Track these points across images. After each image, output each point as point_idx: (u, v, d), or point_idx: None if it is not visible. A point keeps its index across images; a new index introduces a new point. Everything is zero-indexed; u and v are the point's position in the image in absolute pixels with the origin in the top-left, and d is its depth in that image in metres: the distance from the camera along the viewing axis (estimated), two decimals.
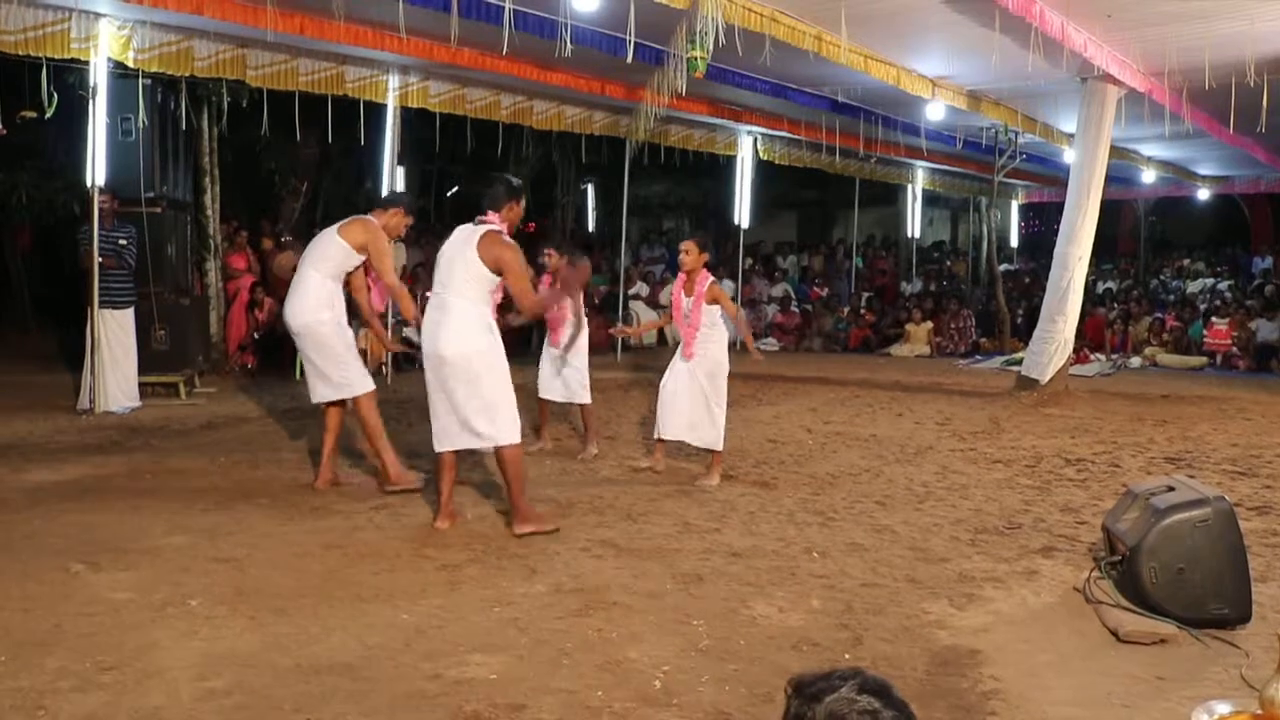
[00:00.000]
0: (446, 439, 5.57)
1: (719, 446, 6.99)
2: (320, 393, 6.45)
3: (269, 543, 5.31)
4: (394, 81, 10.77)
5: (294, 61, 9.80)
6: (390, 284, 6.42)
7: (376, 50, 9.47)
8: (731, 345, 7.28)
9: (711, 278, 6.99)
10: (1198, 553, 4.30)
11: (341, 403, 6.51)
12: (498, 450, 5.50)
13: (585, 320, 7.93)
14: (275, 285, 12.68)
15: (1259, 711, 2.10)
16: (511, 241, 5.47)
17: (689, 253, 6.94)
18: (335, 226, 6.40)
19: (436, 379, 5.47)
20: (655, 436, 7.19)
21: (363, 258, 6.31)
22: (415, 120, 12.04)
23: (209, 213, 12.01)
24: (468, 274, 5.38)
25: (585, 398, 7.81)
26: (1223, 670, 3.94)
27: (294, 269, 6.54)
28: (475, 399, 5.39)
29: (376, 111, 11.07)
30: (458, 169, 19.35)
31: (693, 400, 6.95)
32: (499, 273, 5.37)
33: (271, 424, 8.86)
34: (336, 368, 6.35)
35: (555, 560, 5.12)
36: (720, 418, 6.97)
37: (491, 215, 5.50)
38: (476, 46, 9.55)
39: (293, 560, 5.02)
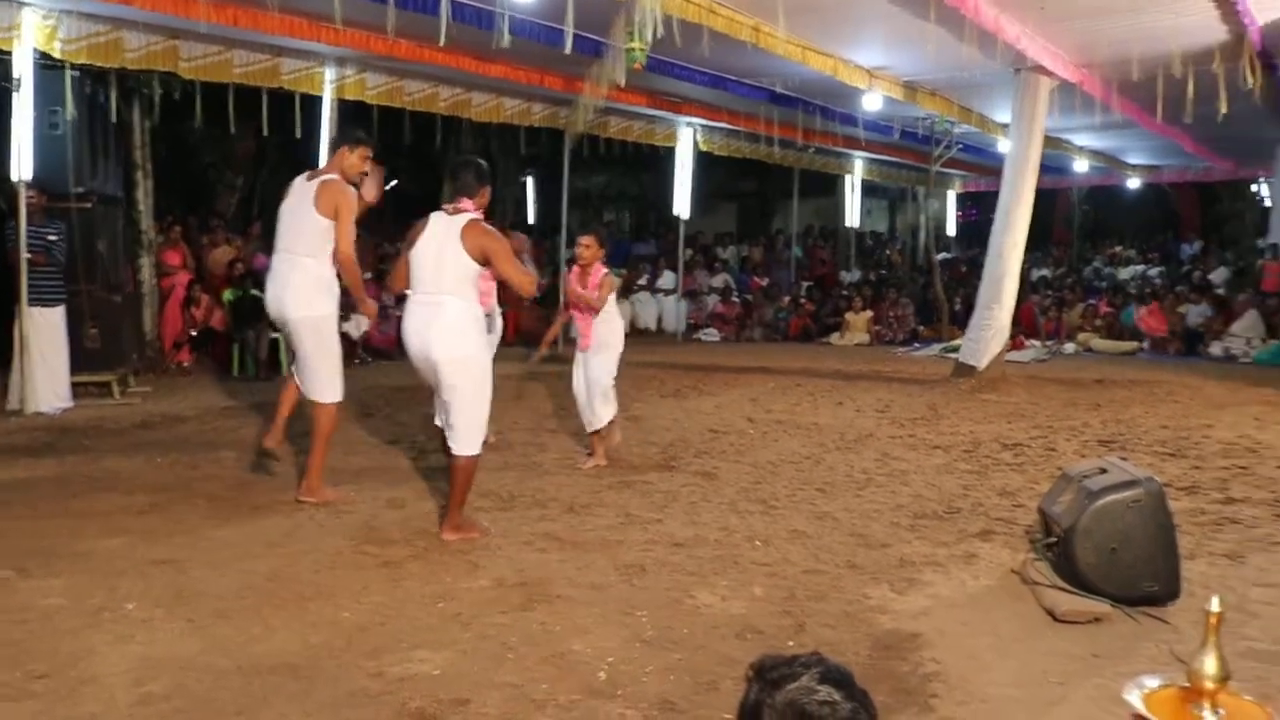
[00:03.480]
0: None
1: (602, 425, 7.07)
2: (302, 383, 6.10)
3: (208, 543, 5.24)
4: (330, 74, 10.64)
5: (228, 53, 9.64)
6: (345, 255, 5.89)
7: (312, 42, 9.36)
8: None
9: (605, 270, 7.03)
10: (1130, 533, 4.39)
11: None
12: (457, 458, 5.34)
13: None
14: (211, 281, 12.54)
15: (1186, 684, 2.15)
16: (493, 229, 5.35)
17: (589, 247, 6.93)
18: (310, 197, 5.81)
19: (430, 374, 5.33)
20: (588, 432, 7.18)
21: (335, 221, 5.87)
22: (353, 113, 11.91)
23: (141, 208, 11.78)
24: (458, 270, 5.20)
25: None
26: (1154, 646, 4.04)
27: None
28: (457, 403, 5.27)
29: (313, 104, 10.93)
30: (396, 162, 19.18)
31: (589, 385, 7.00)
32: (485, 262, 5.23)
33: (209, 422, 8.73)
34: (323, 367, 5.96)
35: (498, 554, 5.11)
36: (611, 394, 7.04)
37: (466, 202, 5.35)
38: (414, 38, 9.46)
39: (232, 560, 4.96)
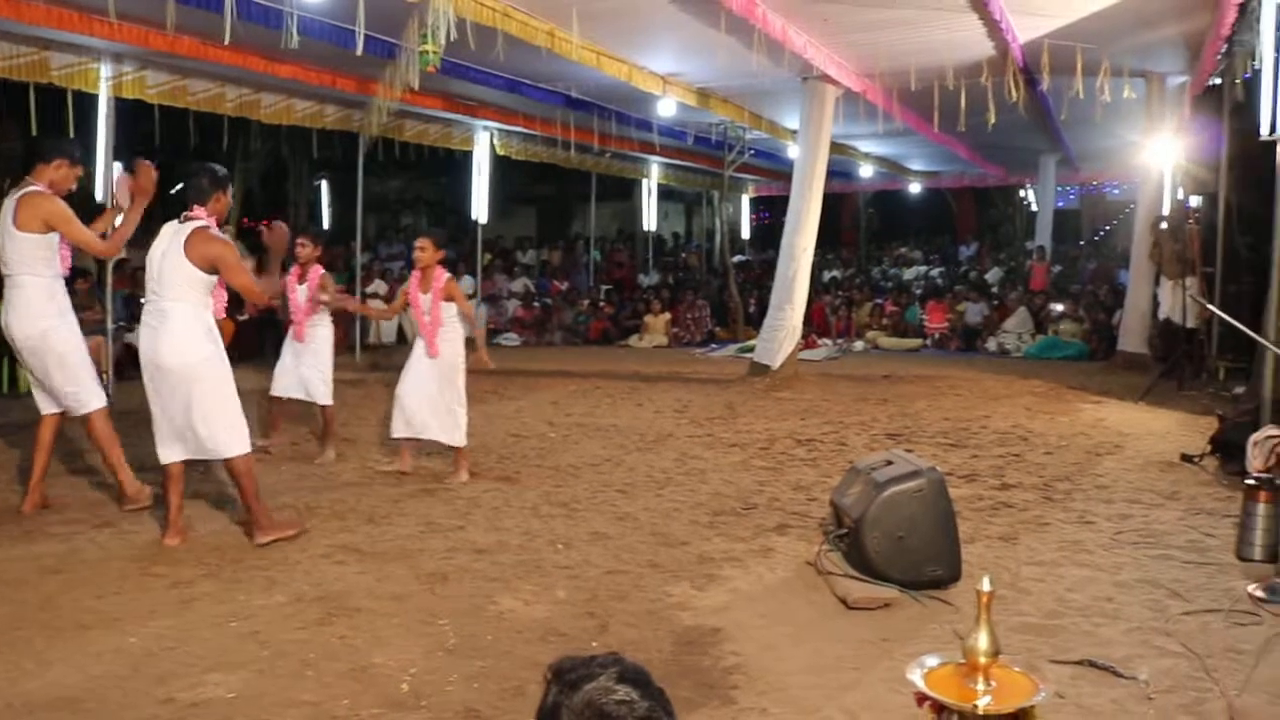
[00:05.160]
0: (172, 450, 5.29)
1: (463, 443, 6.94)
2: (46, 406, 5.89)
3: None
4: (106, 70, 10.05)
5: None
6: (92, 246, 5.86)
7: (84, 35, 8.81)
8: (467, 342, 7.21)
9: (448, 274, 6.92)
10: (915, 521, 4.63)
11: (59, 415, 5.97)
12: (228, 462, 5.26)
13: (330, 317, 7.75)
14: None
15: (962, 661, 2.30)
16: (223, 236, 5.28)
17: (424, 249, 6.84)
18: (7, 221, 5.63)
19: (157, 389, 5.20)
20: (394, 436, 7.04)
21: (55, 234, 5.68)
22: (133, 112, 11.30)
23: None
24: (181, 277, 5.13)
25: (327, 399, 7.60)
26: (938, 627, 4.27)
27: None
28: (199, 409, 5.15)
29: (89, 101, 10.31)
30: (181, 165, 18.35)
31: (431, 398, 6.86)
32: (214, 271, 5.16)
33: None
34: (71, 380, 5.78)
35: (295, 569, 4.96)
36: (461, 415, 6.92)
37: (198, 210, 5.24)
38: (197, 34, 9.05)
39: (2, 590, 4.64)
